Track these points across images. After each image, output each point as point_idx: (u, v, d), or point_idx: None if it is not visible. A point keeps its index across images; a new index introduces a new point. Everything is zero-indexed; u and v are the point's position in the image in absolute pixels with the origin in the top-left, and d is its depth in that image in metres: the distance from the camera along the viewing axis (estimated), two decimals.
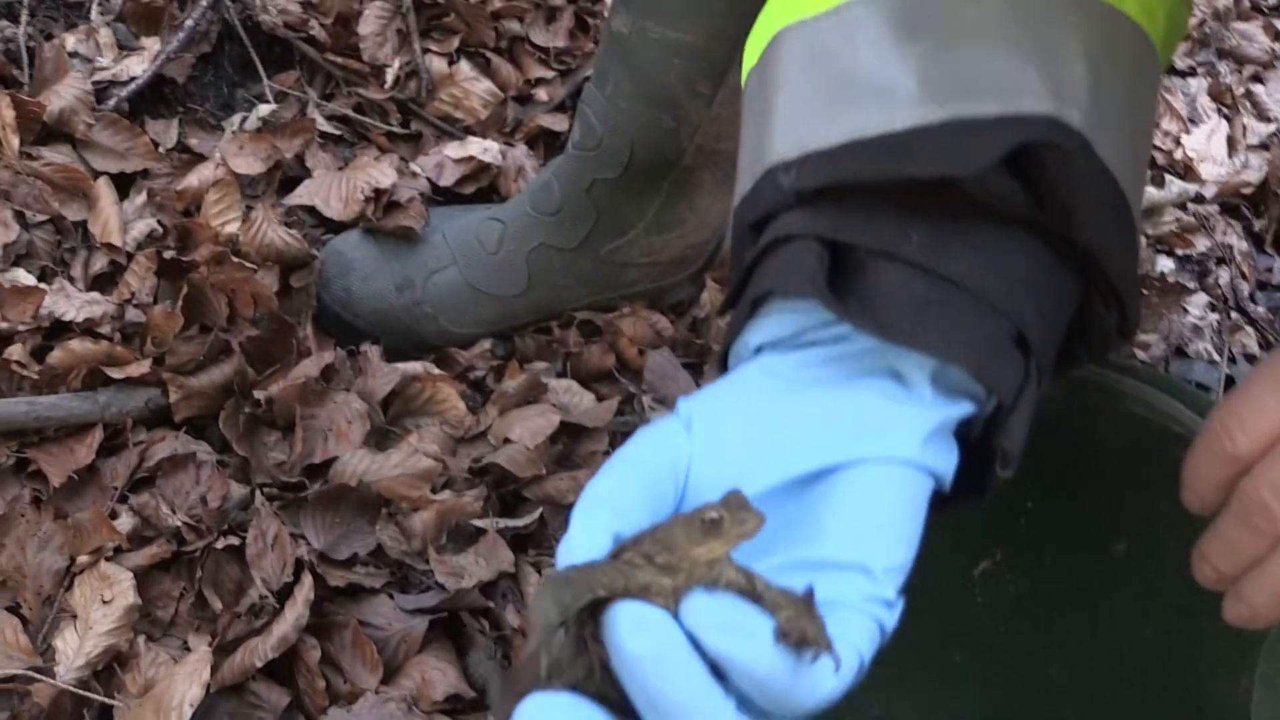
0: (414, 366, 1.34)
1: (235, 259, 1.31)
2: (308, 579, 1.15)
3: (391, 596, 1.20)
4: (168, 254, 1.33)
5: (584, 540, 0.56)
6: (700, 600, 0.53)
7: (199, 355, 1.24)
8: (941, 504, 0.66)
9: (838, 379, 0.64)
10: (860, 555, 0.59)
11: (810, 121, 0.65)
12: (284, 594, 1.16)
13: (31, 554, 1.16)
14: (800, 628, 0.53)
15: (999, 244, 0.64)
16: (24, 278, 1.30)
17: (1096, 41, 0.65)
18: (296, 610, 1.14)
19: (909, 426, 0.62)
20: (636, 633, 0.52)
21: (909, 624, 1.03)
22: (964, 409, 0.64)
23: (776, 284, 0.65)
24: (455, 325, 1.41)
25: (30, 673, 1.11)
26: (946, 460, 0.64)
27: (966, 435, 0.67)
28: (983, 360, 0.62)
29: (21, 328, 1.26)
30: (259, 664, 1.12)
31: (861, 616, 0.58)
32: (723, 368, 0.70)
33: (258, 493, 1.22)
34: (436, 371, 1.35)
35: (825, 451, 0.62)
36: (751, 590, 0.55)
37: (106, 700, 1.11)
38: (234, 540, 1.18)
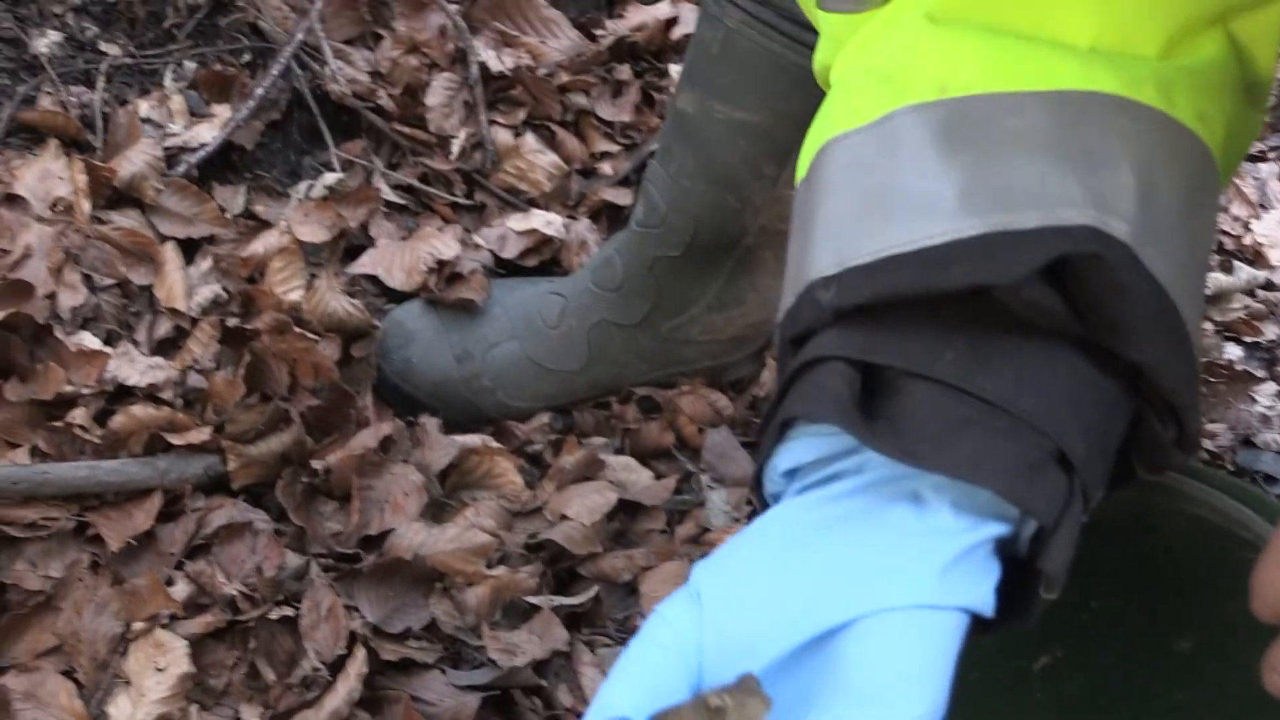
0: (472, 439, 1.34)
1: (297, 329, 1.32)
2: (361, 652, 1.15)
3: (444, 672, 1.19)
4: (231, 321, 1.35)
5: None
6: None
7: (259, 424, 1.25)
8: (988, 625, 0.64)
9: (853, 518, 0.62)
10: (876, 716, 0.58)
11: (850, 236, 0.64)
12: (336, 666, 1.16)
13: (88, 619, 1.16)
14: None
15: (1039, 360, 0.62)
16: (90, 341, 1.32)
17: (1146, 149, 0.63)
18: (349, 683, 1.13)
19: (925, 564, 0.60)
20: None
21: (968, 718, 1.01)
22: (992, 531, 0.62)
23: (801, 409, 0.64)
24: (514, 399, 1.41)
25: None
26: (977, 588, 0.62)
27: (1012, 554, 0.65)
28: (1017, 483, 0.60)
29: (85, 391, 1.28)
30: None
31: None
32: (756, 487, 0.70)
33: (313, 563, 1.22)
34: (494, 445, 1.34)
35: (837, 609, 0.60)
36: None
37: None
38: (288, 611, 1.18)
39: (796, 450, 0.66)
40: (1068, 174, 0.61)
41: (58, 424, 1.26)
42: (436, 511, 1.29)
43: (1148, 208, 0.62)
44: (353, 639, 1.17)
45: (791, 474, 0.66)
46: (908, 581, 0.60)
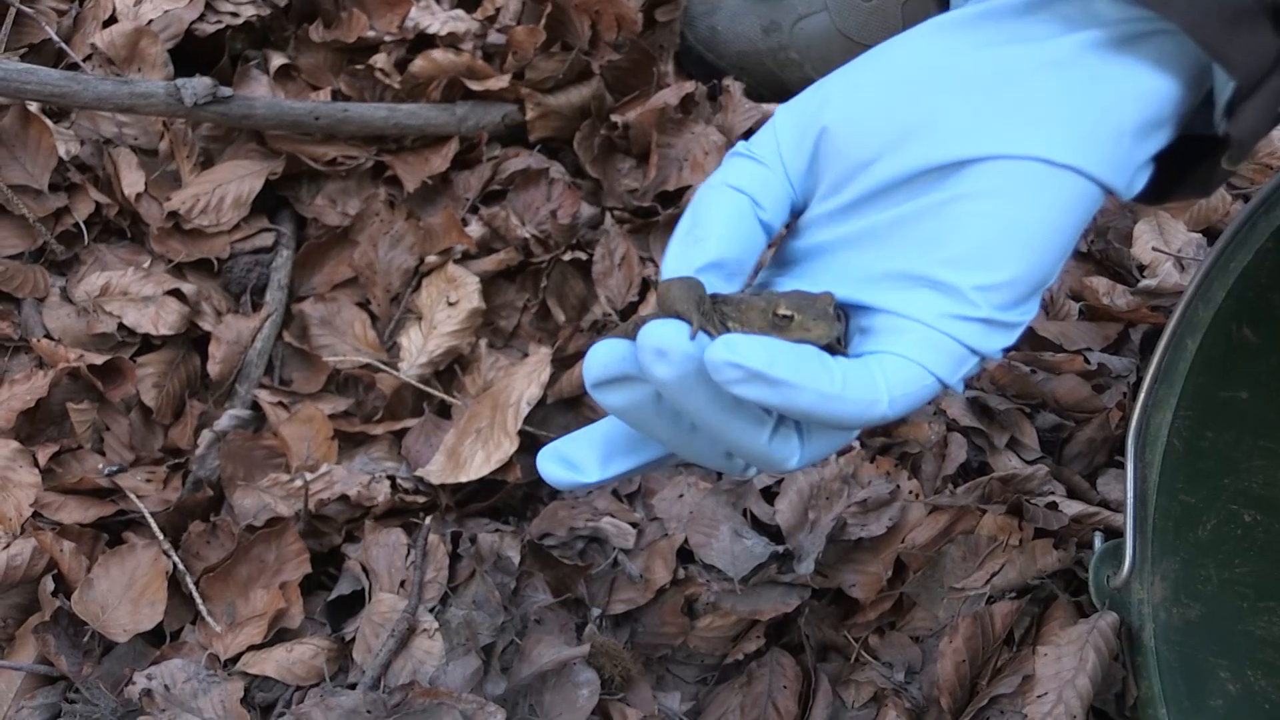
0: (776, 108, 1.26)
1: None
2: (653, 297, 1.11)
3: None
4: None
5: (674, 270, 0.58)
6: (717, 355, 0.50)
7: (559, 73, 1.21)
8: (1162, 194, 0.60)
9: (1002, 42, 0.56)
10: (951, 273, 0.54)
11: None
12: (627, 313, 1.13)
13: (383, 251, 1.15)
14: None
15: None
16: None
17: None
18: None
19: (1067, 112, 0.54)
20: (659, 361, 0.51)
21: None
22: (1159, 85, 0.55)
23: None
24: (821, 74, 1.30)
25: (377, 364, 1.11)
26: (1122, 154, 0.55)
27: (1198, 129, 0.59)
28: (1211, 25, 0.52)
29: (388, 38, 1.25)
30: None
31: (934, 334, 0.54)
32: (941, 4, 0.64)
33: (608, 215, 1.18)
34: None
35: (961, 140, 0.55)
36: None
37: (446, 398, 1.10)
38: (581, 255, 1.15)
39: None
40: None
41: (359, 68, 1.24)
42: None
43: None
44: (645, 287, 1.13)
45: None
46: (1042, 128, 0.54)
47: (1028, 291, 0.55)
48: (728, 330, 0.54)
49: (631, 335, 0.54)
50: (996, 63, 0.56)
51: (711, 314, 0.54)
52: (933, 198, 0.55)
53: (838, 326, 0.54)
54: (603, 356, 0.54)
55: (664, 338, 0.51)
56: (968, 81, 0.56)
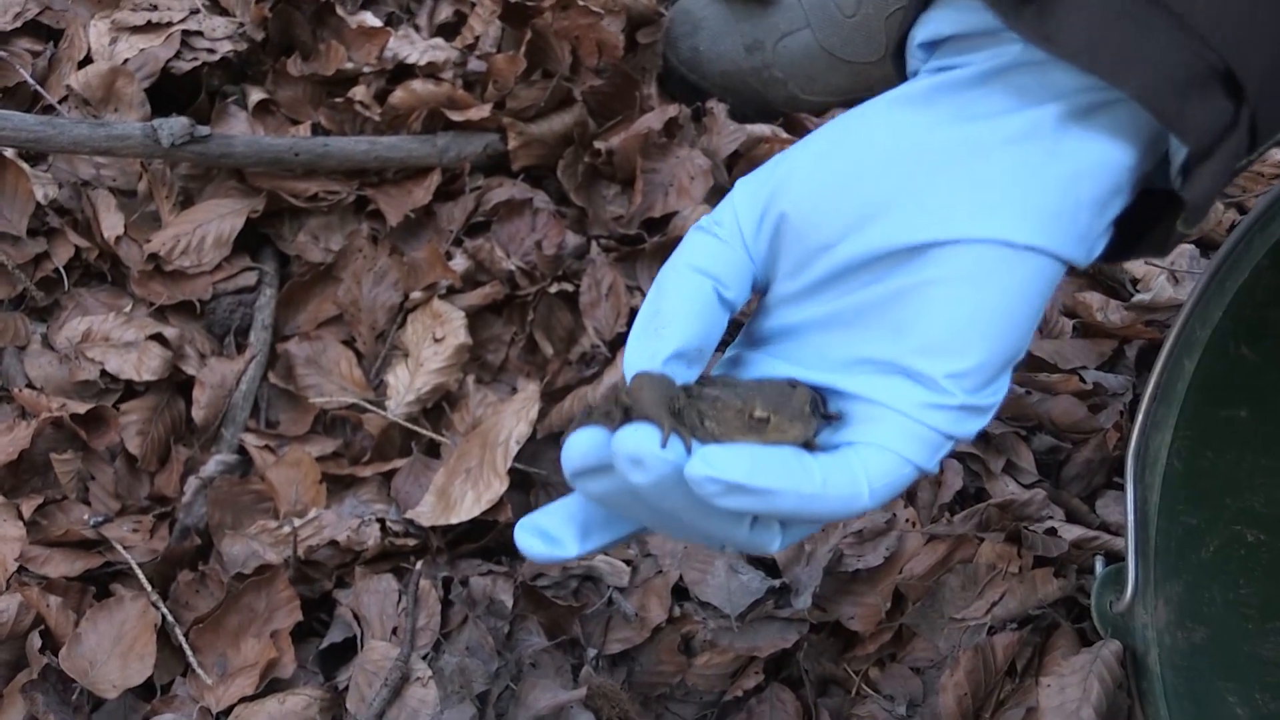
0: (761, 128, 1.25)
1: (581, 2, 1.24)
2: None
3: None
4: None
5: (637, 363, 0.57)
6: (697, 470, 0.50)
7: (540, 101, 1.19)
8: (1119, 254, 0.60)
9: (956, 118, 0.56)
10: (922, 362, 0.54)
11: None
12: (615, 344, 1.11)
13: (367, 288, 1.14)
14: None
15: None
16: (371, 20, 1.28)
17: None
18: None
19: (1021, 190, 0.54)
20: (635, 469, 0.51)
21: None
22: (1112, 154, 0.55)
23: None
24: (805, 91, 1.31)
25: (363, 403, 1.10)
26: (1079, 226, 0.55)
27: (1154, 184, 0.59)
28: (1164, 93, 0.52)
29: (366, 69, 1.24)
30: None
31: (911, 424, 0.54)
32: (897, 60, 0.64)
33: (594, 244, 1.16)
34: (785, 135, 1.25)
35: (922, 227, 0.55)
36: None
37: (434, 436, 1.08)
38: (567, 287, 1.13)
39: (936, 21, 0.60)
40: None
41: (338, 100, 1.22)
42: (722, 198, 1.22)
43: None
44: (633, 316, 1.11)
45: (929, 50, 0.61)
46: (1001, 209, 0.54)
47: (998, 371, 0.56)
48: (704, 428, 0.53)
49: (608, 423, 0.53)
50: (952, 141, 0.55)
51: (687, 410, 0.53)
52: (896, 283, 0.55)
53: (814, 423, 0.53)
54: (581, 446, 0.54)
55: (638, 446, 0.51)
56: (924, 162, 0.55)
